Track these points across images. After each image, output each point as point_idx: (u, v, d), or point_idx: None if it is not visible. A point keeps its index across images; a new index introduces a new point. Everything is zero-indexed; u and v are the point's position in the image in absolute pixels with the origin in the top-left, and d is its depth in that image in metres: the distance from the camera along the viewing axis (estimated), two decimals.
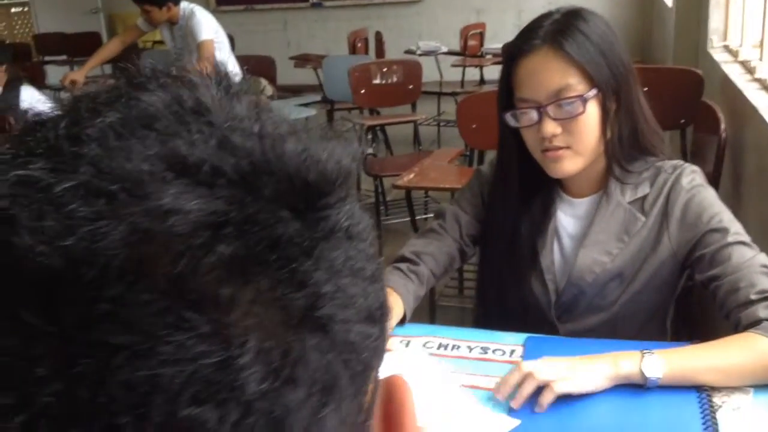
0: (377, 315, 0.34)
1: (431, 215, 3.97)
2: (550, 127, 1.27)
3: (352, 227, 0.33)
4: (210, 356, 0.27)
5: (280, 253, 0.30)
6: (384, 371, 0.37)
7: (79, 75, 4.25)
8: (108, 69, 6.89)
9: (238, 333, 0.28)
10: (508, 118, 1.32)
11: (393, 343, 1.22)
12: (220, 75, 0.35)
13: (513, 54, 1.31)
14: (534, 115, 1.28)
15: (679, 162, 1.37)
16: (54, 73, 6.60)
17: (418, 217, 3.64)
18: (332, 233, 0.32)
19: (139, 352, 0.27)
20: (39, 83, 5.71)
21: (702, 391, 1.12)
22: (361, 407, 0.34)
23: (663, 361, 1.12)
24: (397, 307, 1.34)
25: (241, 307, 0.28)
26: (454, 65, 6.49)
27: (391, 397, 0.38)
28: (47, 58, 7.67)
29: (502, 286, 1.45)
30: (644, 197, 1.35)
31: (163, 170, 0.29)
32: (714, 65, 3.29)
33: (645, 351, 1.14)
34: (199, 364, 0.27)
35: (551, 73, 1.26)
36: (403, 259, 1.42)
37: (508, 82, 1.32)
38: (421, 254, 1.43)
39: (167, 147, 0.30)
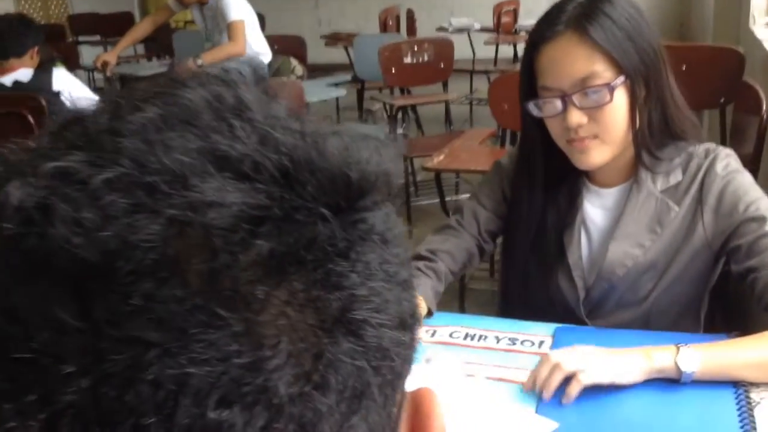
0: (409, 322, 0.33)
1: (462, 196, 3.93)
2: (576, 117, 1.22)
3: (388, 231, 0.33)
4: (241, 356, 0.27)
5: (317, 253, 0.29)
6: (412, 382, 0.36)
7: (111, 56, 4.28)
8: (141, 49, 6.93)
9: (270, 334, 0.28)
10: (531, 107, 1.26)
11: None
12: (259, 76, 0.35)
13: (535, 40, 1.25)
14: (558, 104, 1.22)
15: (711, 146, 1.31)
16: (88, 54, 6.67)
17: (448, 198, 3.61)
18: (369, 235, 0.32)
19: (170, 350, 0.26)
20: (73, 64, 5.76)
21: (739, 386, 1.09)
22: (389, 417, 0.33)
23: (699, 355, 1.08)
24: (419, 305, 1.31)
25: (275, 307, 0.28)
26: (487, 42, 6.41)
27: (418, 409, 0.36)
28: (81, 39, 7.73)
29: (527, 283, 1.40)
30: (677, 185, 1.29)
31: (205, 164, 0.29)
32: (756, 43, 3.19)
33: (680, 344, 1.10)
34: (229, 364, 0.27)
35: (576, 61, 1.20)
36: (419, 257, 1.39)
37: (530, 69, 1.26)
38: (438, 251, 1.39)
39: (208, 142, 0.29)
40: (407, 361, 0.34)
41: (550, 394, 1.08)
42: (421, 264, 1.37)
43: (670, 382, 1.09)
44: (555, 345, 1.24)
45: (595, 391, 1.09)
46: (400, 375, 0.33)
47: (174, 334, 0.26)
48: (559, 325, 1.30)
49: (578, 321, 1.35)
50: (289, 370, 0.28)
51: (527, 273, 1.40)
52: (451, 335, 1.31)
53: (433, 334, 1.31)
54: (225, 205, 0.28)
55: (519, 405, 1.10)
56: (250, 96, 0.32)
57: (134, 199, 0.27)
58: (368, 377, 0.30)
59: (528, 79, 1.27)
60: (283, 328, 0.28)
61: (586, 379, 1.07)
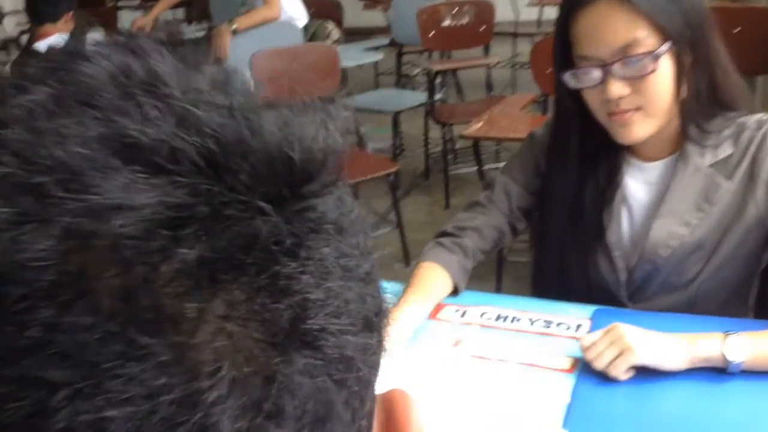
0: (375, 322, 0.29)
1: (502, 164, 3.84)
2: (617, 89, 1.13)
3: (342, 218, 0.28)
4: (171, 391, 0.23)
5: (258, 254, 0.25)
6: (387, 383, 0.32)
7: (146, 21, 4.26)
8: (179, 13, 6.91)
9: (207, 359, 0.23)
10: (567, 78, 1.17)
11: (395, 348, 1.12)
12: (175, 40, 0.29)
13: (570, 5, 1.16)
14: (597, 74, 1.13)
15: (764, 116, 1.22)
16: (128, 18, 6.66)
17: (487, 167, 3.52)
18: (320, 226, 0.27)
19: (81, 390, 0.22)
20: (112, 29, 5.75)
21: None
22: None
23: (748, 343, 1.02)
24: (443, 280, 1.26)
25: (211, 324, 0.24)
26: (530, 4, 6.24)
27: (391, 414, 0.32)
28: (121, 3, 7.74)
29: (563, 263, 1.33)
30: (726, 159, 1.20)
31: (108, 156, 0.24)
32: None
33: (728, 332, 1.03)
34: (158, 401, 0.23)
35: (616, 27, 1.11)
36: (445, 234, 1.34)
37: (564, 37, 1.17)
38: (465, 228, 1.33)
39: (112, 127, 0.25)
40: (375, 367, 0.30)
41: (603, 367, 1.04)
42: (446, 240, 1.31)
43: (717, 372, 1.03)
44: (594, 329, 1.17)
45: (636, 380, 1.04)
46: (369, 384, 0.29)
47: (84, 370, 0.22)
48: (599, 307, 1.23)
49: (618, 304, 1.27)
50: (234, 400, 0.24)
51: (563, 253, 1.32)
52: (482, 316, 1.25)
53: (463, 315, 1.25)
54: (135, 207, 0.23)
55: (551, 396, 1.04)
56: (165, 67, 0.27)
57: (19, 207, 0.23)
58: (331, 395, 0.26)
59: (563, 48, 1.18)
60: (223, 350, 0.24)
61: (633, 359, 1.02)
